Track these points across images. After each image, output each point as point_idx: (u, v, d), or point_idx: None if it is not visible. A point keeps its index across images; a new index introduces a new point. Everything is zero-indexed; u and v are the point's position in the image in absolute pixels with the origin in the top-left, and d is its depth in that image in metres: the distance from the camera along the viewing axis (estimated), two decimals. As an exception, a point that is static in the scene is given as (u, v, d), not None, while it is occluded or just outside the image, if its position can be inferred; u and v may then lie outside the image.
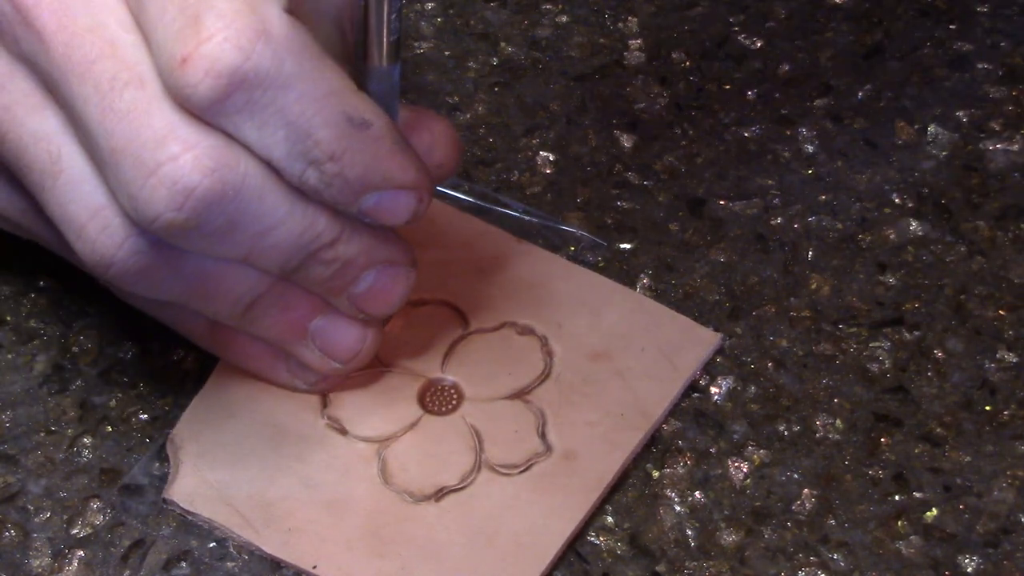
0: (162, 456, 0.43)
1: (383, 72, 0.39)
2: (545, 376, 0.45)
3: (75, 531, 0.42)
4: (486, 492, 0.43)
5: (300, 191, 0.38)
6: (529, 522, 0.42)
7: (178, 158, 0.36)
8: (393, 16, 0.38)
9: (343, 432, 0.44)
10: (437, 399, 0.45)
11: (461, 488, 0.43)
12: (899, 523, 0.43)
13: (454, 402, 0.45)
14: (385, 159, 0.38)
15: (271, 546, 0.41)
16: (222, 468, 0.42)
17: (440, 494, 0.42)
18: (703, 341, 0.46)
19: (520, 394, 0.45)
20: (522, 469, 0.43)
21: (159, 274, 0.39)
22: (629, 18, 0.57)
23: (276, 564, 0.41)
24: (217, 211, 0.37)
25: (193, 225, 0.37)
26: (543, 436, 0.44)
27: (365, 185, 0.38)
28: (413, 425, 0.44)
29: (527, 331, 0.46)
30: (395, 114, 0.40)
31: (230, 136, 0.37)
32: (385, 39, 0.38)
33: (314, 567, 0.41)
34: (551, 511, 0.42)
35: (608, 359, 0.46)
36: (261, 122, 0.36)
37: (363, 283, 0.41)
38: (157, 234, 0.37)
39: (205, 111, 0.36)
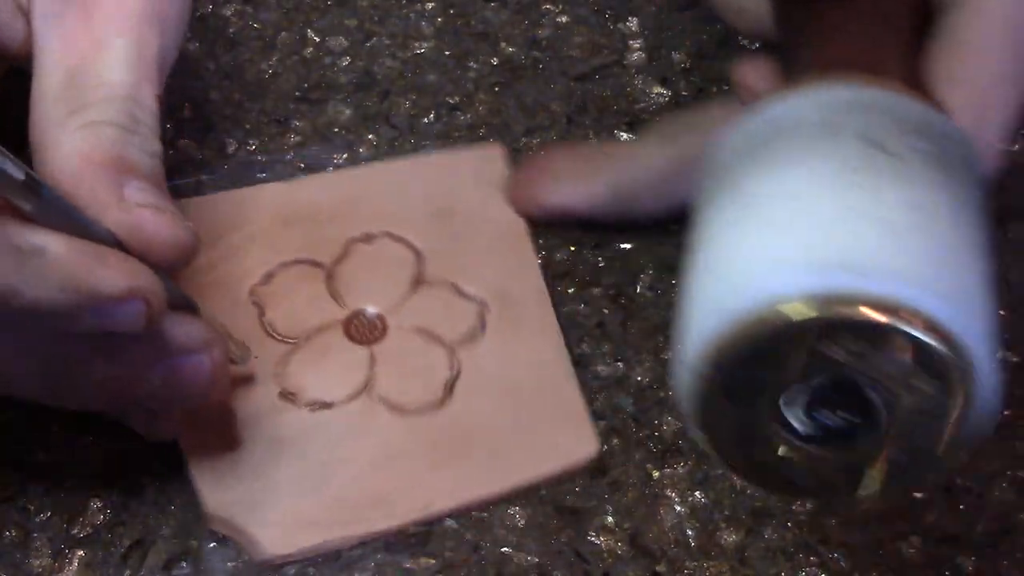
0: (162, 455, 0.43)
1: (33, 206, 0.35)
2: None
3: (75, 531, 0.42)
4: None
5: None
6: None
7: None
8: (6, 169, 0.34)
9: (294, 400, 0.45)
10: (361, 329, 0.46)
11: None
12: (899, 523, 0.43)
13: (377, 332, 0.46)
14: (80, 276, 0.36)
15: (391, 519, 0.42)
16: (271, 503, 0.42)
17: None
18: (582, 449, 0.45)
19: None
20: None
21: None
22: (630, 18, 0.57)
23: (275, 565, 0.41)
24: None
25: None
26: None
27: (72, 307, 0.36)
28: None
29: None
30: (87, 231, 0.37)
31: None
32: (6, 190, 0.35)
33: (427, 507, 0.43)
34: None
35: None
36: None
37: (153, 382, 0.39)
38: None
39: None
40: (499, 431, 0.44)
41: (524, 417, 0.45)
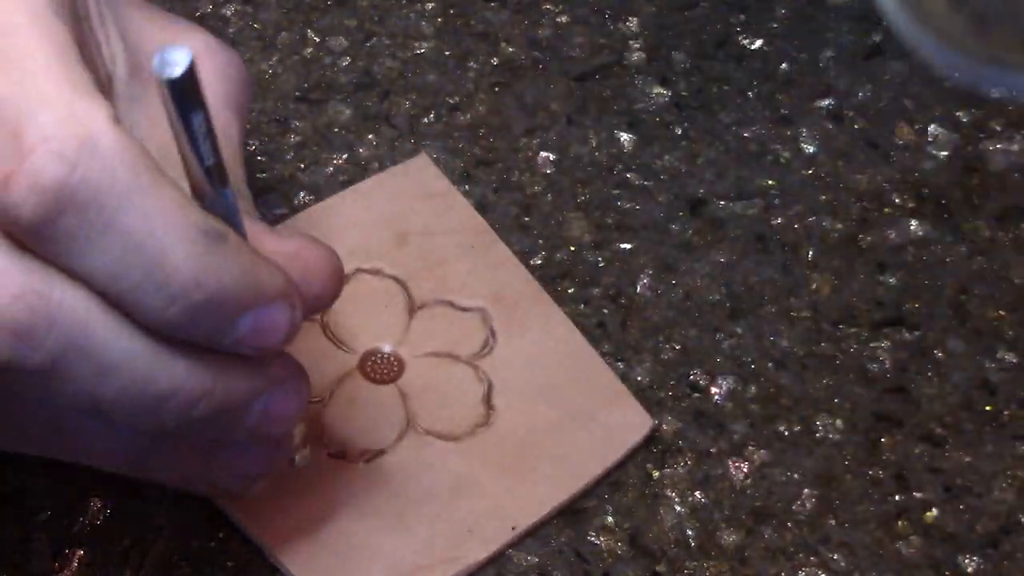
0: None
1: (214, 200, 0.35)
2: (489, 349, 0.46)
3: (75, 531, 0.42)
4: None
5: (158, 335, 0.34)
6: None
7: None
8: (204, 145, 0.33)
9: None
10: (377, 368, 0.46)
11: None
12: (899, 523, 0.43)
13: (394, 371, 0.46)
14: (252, 269, 0.34)
15: (487, 546, 0.42)
16: (369, 563, 0.42)
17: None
18: (638, 426, 0.45)
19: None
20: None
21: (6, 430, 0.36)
22: (629, 18, 0.57)
23: (274, 566, 0.41)
24: (30, 344, 0.33)
25: (6, 359, 0.33)
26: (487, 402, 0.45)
27: (240, 304, 0.34)
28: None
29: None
30: (243, 237, 0.36)
31: (71, 268, 0.33)
32: (198, 167, 0.34)
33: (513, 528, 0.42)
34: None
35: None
36: (103, 247, 0.32)
37: (252, 418, 0.37)
38: None
39: (36, 234, 0.32)
40: (553, 433, 0.44)
41: (571, 411, 0.45)
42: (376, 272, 0.48)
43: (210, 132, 0.33)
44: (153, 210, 0.32)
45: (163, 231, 0.33)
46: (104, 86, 0.39)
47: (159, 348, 0.34)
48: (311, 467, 0.43)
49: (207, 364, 0.35)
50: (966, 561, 0.43)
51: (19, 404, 0.35)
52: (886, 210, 0.51)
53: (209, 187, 0.34)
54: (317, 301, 0.37)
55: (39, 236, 0.32)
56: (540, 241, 0.49)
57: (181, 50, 0.31)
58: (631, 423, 0.45)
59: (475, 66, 0.55)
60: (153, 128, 0.38)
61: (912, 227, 0.51)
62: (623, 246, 0.50)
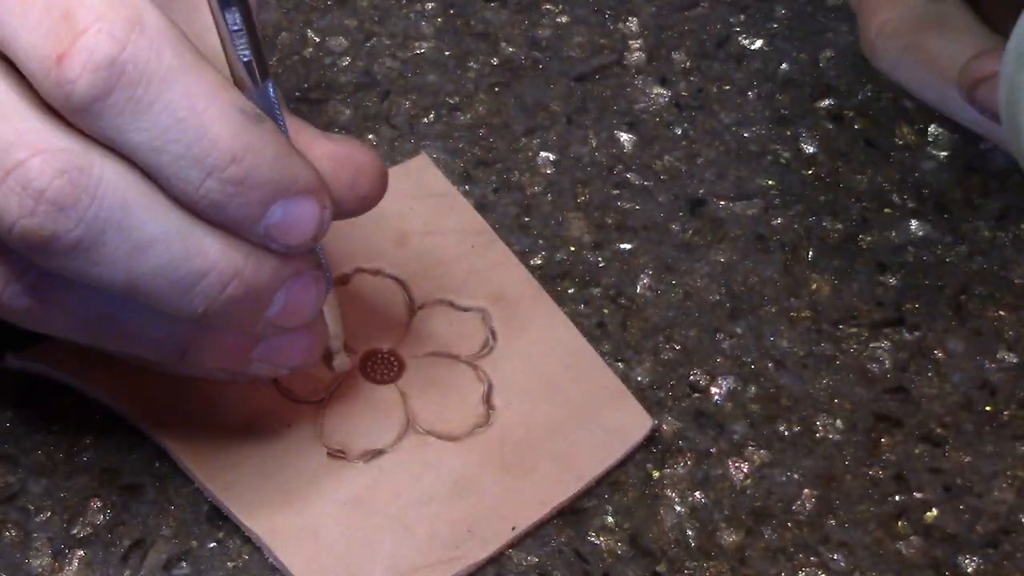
0: (162, 455, 0.43)
1: (253, 94, 0.37)
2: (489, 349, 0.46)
3: (75, 531, 0.42)
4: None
5: (194, 213, 0.36)
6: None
7: (25, 162, 0.34)
8: (240, 40, 0.37)
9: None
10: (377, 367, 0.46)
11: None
12: (899, 523, 0.43)
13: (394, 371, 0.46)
14: (287, 156, 0.36)
15: (486, 547, 0.42)
16: (369, 564, 0.41)
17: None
18: (638, 426, 0.45)
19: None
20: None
21: (52, 315, 0.37)
22: (629, 18, 0.57)
23: (274, 566, 0.41)
24: (72, 217, 0.34)
25: (49, 232, 0.34)
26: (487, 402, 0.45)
27: (274, 189, 0.36)
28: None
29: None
30: (282, 131, 0.38)
31: (116, 143, 0.35)
32: (237, 62, 0.37)
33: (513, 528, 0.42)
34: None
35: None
36: (149, 122, 0.34)
37: (275, 305, 0.38)
38: (20, 248, 0.35)
39: (88, 110, 0.34)
40: (553, 433, 0.44)
41: (571, 411, 0.45)
42: (376, 272, 0.48)
43: (249, 29, 0.36)
44: (195, 86, 0.34)
45: (204, 106, 0.35)
46: None
47: (194, 227, 0.36)
48: (311, 467, 0.43)
49: (239, 246, 0.37)
50: (966, 561, 0.43)
51: (66, 290, 0.37)
52: (886, 210, 0.51)
53: (249, 81, 0.37)
54: (364, 201, 0.40)
55: (89, 112, 0.34)
56: (540, 241, 0.49)
57: None
58: (631, 423, 0.45)
59: (475, 66, 0.55)
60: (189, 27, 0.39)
61: (912, 227, 0.51)
62: (623, 246, 0.50)
